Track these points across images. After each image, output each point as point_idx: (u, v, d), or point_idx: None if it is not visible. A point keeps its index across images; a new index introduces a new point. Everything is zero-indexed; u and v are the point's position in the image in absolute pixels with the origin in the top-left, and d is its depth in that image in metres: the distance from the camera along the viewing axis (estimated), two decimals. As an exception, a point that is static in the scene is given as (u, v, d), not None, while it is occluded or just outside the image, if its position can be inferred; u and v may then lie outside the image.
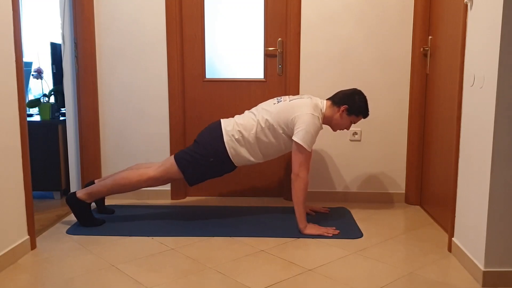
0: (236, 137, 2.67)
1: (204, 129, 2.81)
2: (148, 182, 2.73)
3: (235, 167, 2.77)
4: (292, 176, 2.62)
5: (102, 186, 2.74)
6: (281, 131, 2.67)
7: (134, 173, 2.74)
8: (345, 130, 2.86)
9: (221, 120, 2.77)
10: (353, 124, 2.81)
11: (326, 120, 2.76)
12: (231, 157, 2.69)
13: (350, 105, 2.71)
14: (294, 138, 2.60)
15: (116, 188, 2.74)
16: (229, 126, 2.71)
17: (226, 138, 2.68)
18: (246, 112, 2.81)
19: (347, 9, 3.17)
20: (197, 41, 3.30)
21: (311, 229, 2.67)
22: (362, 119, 2.81)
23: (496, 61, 1.92)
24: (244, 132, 2.67)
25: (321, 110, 2.70)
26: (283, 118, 2.64)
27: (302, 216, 2.66)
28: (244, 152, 2.70)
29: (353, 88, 2.79)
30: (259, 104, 2.83)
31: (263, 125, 2.67)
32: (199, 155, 2.69)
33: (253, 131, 2.67)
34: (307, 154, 2.61)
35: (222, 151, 2.68)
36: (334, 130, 2.82)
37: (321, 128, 2.73)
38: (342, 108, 2.71)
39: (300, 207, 2.63)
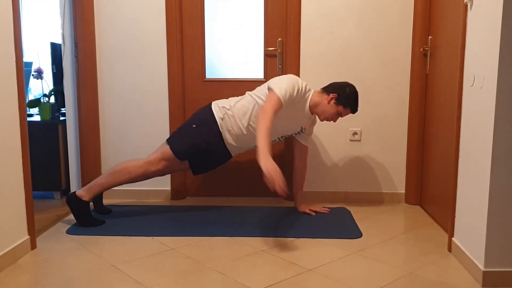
0: (222, 105, 2.78)
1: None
2: (145, 166, 2.76)
3: (219, 136, 2.76)
4: (260, 110, 2.57)
5: (99, 178, 2.79)
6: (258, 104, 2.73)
7: (131, 161, 2.81)
8: (332, 122, 2.85)
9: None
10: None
11: (314, 105, 2.76)
12: (217, 121, 2.74)
13: (340, 94, 2.73)
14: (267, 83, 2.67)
15: (114, 178, 2.76)
16: (219, 100, 2.83)
17: (213, 106, 2.80)
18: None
19: (347, 9, 3.17)
20: (197, 41, 3.29)
21: (268, 163, 2.23)
22: (351, 114, 2.81)
23: (496, 61, 1.92)
24: (230, 103, 2.79)
25: (306, 85, 2.73)
26: (263, 88, 2.75)
27: (264, 146, 2.31)
28: (228, 117, 2.76)
29: (347, 81, 2.83)
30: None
31: (248, 97, 2.78)
32: (184, 124, 2.87)
33: (236, 99, 2.80)
34: (276, 98, 2.54)
35: (208, 116, 2.77)
36: (321, 118, 2.81)
37: (300, 91, 2.67)
38: (331, 95, 2.73)
39: (262, 136, 2.34)
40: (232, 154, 2.87)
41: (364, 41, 3.21)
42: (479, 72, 2.10)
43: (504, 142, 1.96)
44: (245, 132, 2.75)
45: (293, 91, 2.62)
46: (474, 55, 2.17)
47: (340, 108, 2.75)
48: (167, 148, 2.78)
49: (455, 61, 2.51)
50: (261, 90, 2.76)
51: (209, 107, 2.82)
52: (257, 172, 3.42)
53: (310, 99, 2.75)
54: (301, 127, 2.84)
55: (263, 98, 2.67)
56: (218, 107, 2.79)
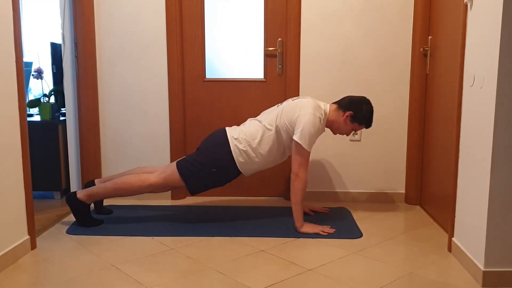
0: (243, 145, 2.67)
1: (207, 137, 2.80)
2: (149, 188, 2.72)
3: (238, 175, 2.76)
4: (292, 175, 2.63)
5: (103, 188, 2.74)
6: (284, 134, 2.67)
7: (136, 178, 2.72)
8: (345, 135, 2.88)
9: (226, 128, 2.76)
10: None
11: (329, 123, 2.75)
12: (238, 166, 2.68)
13: (356, 112, 2.69)
14: (294, 137, 2.61)
15: (117, 192, 2.74)
16: (235, 134, 2.70)
17: (233, 148, 2.67)
18: (249, 120, 2.82)
19: (347, 9, 3.17)
20: (197, 41, 3.30)
21: (307, 227, 2.68)
22: (364, 129, 2.81)
23: (496, 61, 1.92)
24: (251, 141, 2.67)
25: (324, 112, 2.70)
26: (288, 116, 2.65)
27: (299, 215, 2.67)
28: (252, 160, 2.70)
29: (362, 96, 2.78)
30: (262, 112, 2.84)
31: (269, 127, 2.67)
32: (202, 165, 2.68)
33: (259, 137, 2.67)
34: (306, 154, 2.61)
35: (227, 160, 2.67)
36: (334, 133, 2.82)
37: (323, 130, 2.73)
38: (347, 113, 2.69)
39: (298, 206, 2.65)
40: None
41: (364, 41, 3.21)
42: (479, 72, 2.10)
43: (504, 142, 1.96)
44: (263, 169, 2.80)
45: (316, 137, 2.66)
46: (474, 55, 2.17)
47: (355, 125, 2.73)
48: (179, 181, 2.70)
49: (455, 61, 2.51)
50: (282, 115, 2.66)
51: (228, 150, 2.67)
52: (257, 172, 3.42)
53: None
54: None
55: (286, 137, 2.68)
56: (239, 150, 2.67)
